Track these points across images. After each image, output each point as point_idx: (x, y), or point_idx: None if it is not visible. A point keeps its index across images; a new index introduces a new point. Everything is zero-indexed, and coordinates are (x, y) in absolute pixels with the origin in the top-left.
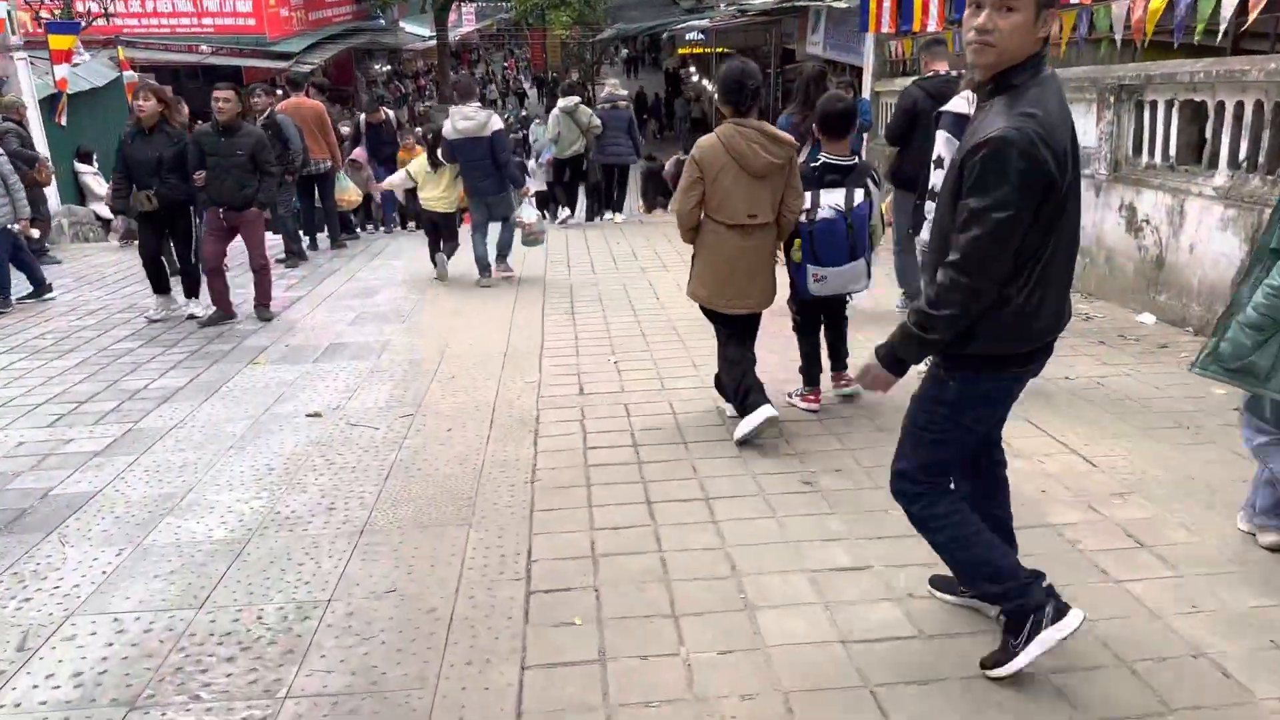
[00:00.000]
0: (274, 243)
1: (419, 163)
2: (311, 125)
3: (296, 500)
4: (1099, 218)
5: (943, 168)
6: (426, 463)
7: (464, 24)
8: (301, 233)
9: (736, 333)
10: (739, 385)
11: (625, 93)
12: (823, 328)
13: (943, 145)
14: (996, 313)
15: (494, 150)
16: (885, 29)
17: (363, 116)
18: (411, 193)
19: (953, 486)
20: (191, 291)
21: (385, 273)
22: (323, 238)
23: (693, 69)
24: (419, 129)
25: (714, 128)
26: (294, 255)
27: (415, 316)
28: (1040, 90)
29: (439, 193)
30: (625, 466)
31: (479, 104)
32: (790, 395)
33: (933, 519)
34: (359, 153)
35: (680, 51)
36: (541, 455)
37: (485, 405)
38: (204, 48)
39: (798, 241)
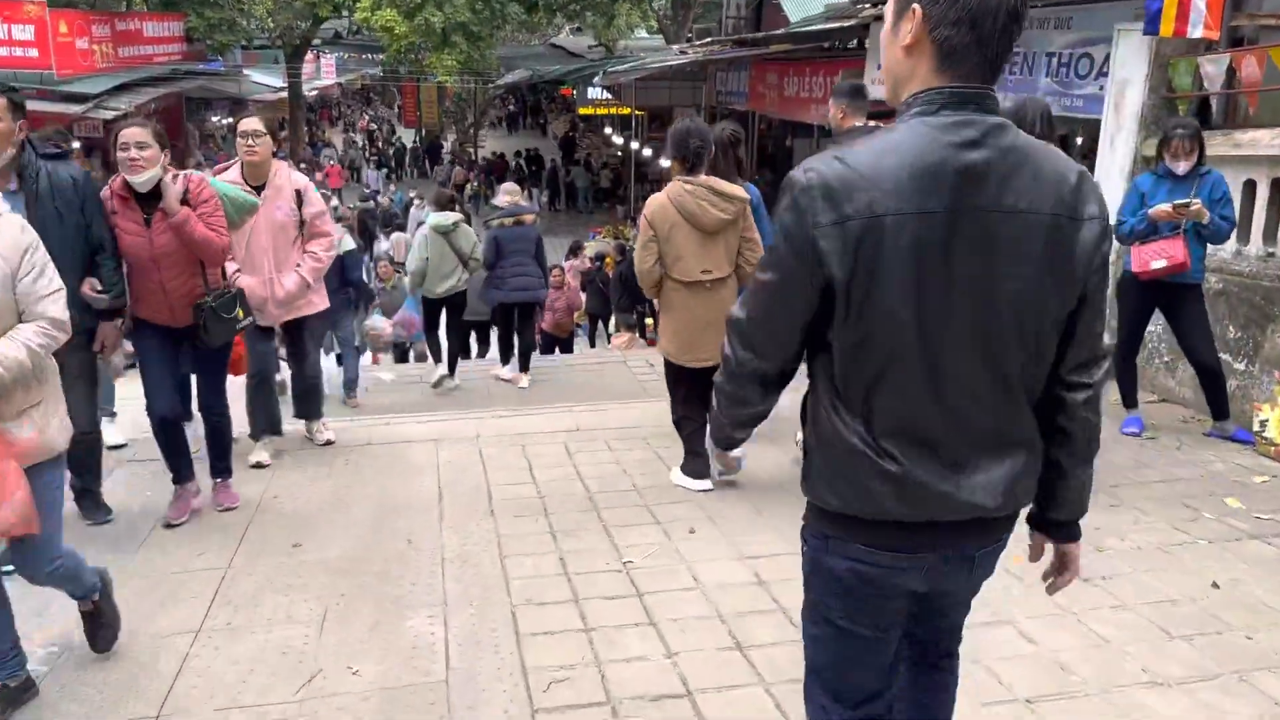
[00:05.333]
0: None
1: None
2: None
3: None
4: None
5: None
6: None
7: (323, 75)
8: None
9: (695, 388)
10: (690, 442)
11: (530, 203)
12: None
13: None
14: None
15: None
16: (1199, 31)
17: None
18: None
19: None
20: None
21: None
22: None
23: (608, 129)
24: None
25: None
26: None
27: None
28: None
29: None
30: None
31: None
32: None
33: None
34: None
35: (582, 111)
36: None
37: None
38: None
39: None
